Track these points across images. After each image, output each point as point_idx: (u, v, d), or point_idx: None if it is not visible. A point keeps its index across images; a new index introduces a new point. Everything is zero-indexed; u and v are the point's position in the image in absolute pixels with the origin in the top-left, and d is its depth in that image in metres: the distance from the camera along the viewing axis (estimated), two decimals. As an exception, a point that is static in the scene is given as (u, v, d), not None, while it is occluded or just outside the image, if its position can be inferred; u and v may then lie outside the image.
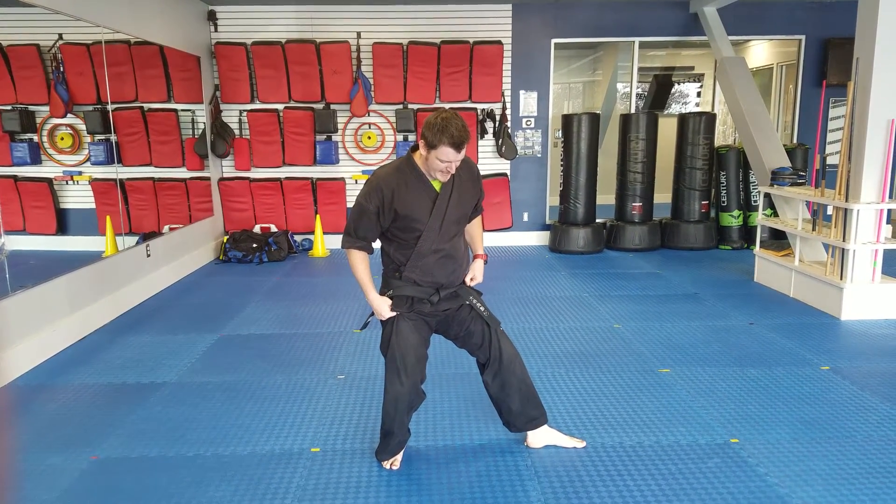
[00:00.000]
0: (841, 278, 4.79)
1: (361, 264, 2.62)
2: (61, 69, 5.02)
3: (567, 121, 7.21)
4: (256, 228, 7.44)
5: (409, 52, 7.20)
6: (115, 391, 3.61)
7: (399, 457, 2.81)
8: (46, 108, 5.07)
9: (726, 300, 5.25)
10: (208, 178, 7.20)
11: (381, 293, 2.67)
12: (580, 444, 2.93)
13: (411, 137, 7.50)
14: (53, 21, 4.68)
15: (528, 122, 7.66)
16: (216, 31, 7.26)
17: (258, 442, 3.01)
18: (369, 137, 7.50)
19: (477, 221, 2.86)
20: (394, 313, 2.63)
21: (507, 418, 2.87)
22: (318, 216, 7.44)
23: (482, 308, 2.75)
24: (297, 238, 7.58)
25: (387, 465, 2.79)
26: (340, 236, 8.04)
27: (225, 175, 7.54)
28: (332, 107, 7.40)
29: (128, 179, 5.68)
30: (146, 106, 6.03)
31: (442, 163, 2.44)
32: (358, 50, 7.24)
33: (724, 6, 7.03)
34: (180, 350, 4.25)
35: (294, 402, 3.43)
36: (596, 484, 2.62)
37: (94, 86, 5.21)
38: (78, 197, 5.36)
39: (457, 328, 2.76)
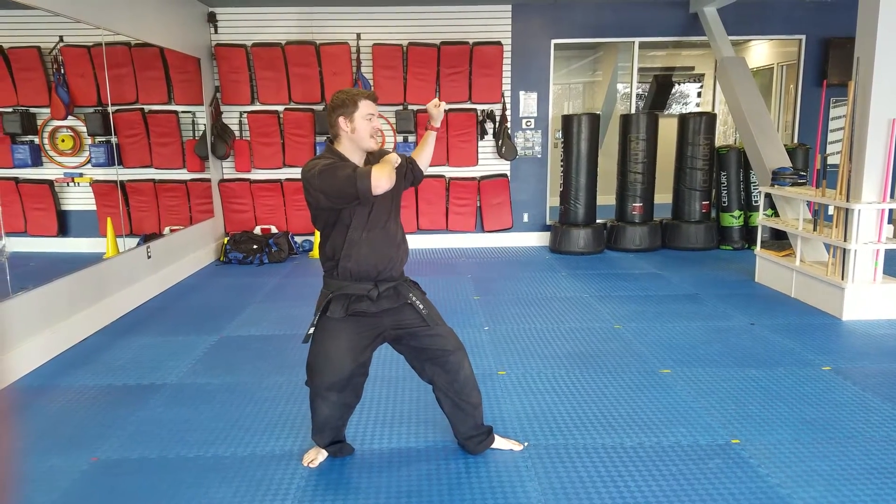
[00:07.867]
0: (842, 278, 4.78)
1: (375, 167, 2.37)
2: (62, 71, 5.03)
3: (567, 121, 7.21)
4: (257, 230, 7.45)
5: (409, 53, 7.20)
6: (116, 393, 3.61)
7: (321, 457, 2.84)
8: (47, 110, 5.08)
9: (727, 300, 5.25)
10: (209, 180, 7.20)
11: (322, 295, 2.60)
12: (517, 446, 2.91)
13: (411, 138, 7.50)
14: (54, 23, 4.69)
15: (528, 123, 7.66)
16: (216, 32, 7.27)
17: (258, 443, 3.01)
18: (370, 138, 7.49)
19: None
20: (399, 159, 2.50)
21: (459, 439, 2.87)
22: (318, 217, 7.43)
23: (421, 306, 2.62)
24: (298, 239, 7.58)
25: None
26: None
27: (225, 176, 7.55)
28: (333, 108, 7.39)
29: (128, 181, 5.69)
30: (147, 108, 6.04)
31: (369, 121, 2.47)
32: (358, 51, 7.24)
33: (724, 6, 7.03)
34: (181, 351, 4.25)
35: (294, 403, 3.43)
36: (596, 484, 2.62)
37: (95, 88, 5.21)
38: (79, 199, 5.37)
39: (407, 337, 2.65)
